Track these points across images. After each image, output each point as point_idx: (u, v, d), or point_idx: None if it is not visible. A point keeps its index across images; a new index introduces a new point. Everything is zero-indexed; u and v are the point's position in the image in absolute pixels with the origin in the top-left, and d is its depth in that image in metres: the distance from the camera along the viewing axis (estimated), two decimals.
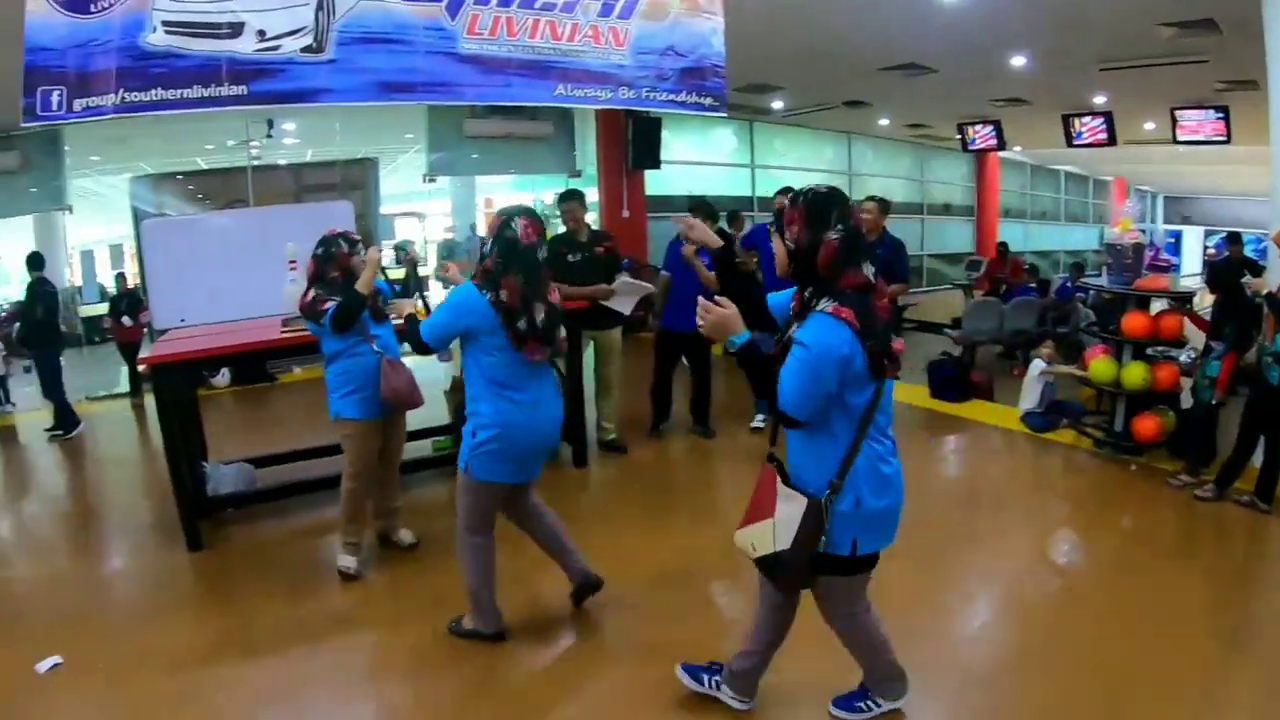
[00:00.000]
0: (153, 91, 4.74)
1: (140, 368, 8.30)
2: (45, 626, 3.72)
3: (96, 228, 12.06)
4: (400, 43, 5.26)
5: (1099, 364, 5.46)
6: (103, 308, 10.56)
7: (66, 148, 9.08)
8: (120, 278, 9.83)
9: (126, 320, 8.67)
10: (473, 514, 3.13)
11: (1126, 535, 4.45)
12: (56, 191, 9.19)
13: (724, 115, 6.84)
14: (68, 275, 11.11)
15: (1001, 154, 17.24)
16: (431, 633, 3.39)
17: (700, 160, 13.06)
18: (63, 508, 5.80)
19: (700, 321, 2.29)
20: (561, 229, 5.50)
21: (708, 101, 6.58)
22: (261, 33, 4.89)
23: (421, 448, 5.44)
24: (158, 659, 3.35)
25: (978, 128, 13.30)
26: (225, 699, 3.09)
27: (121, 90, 4.69)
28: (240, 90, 4.92)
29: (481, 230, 12.55)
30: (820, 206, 2.23)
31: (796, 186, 6.07)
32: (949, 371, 7.05)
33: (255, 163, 9.79)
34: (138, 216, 9.25)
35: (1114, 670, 2.98)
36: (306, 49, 5.00)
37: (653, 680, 2.89)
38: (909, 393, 6.94)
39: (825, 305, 2.16)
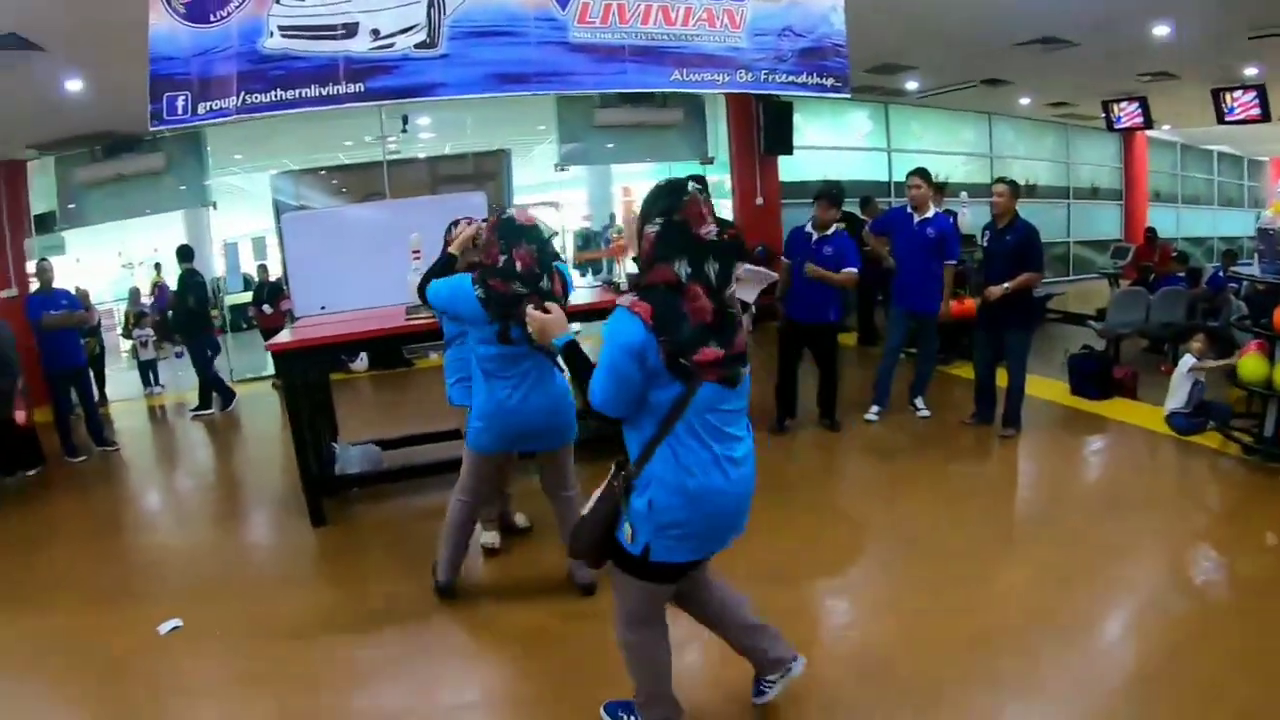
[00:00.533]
0: (272, 93, 4.99)
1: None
2: (172, 591, 3.99)
3: (241, 221, 12.78)
4: (511, 35, 5.33)
5: (1248, 362, 4.98)
6: (247, 296, 11.20)
7: (209, 148, 9.63)
8: (262, 268, 10.42)
9: (267, 308, 9.17)
10: (467, 475, 3.51)
11: (1272, 554, 3.98)
12: (201, 189, 9.78)
13: (847, 96, 6.61)
14: (216, 266, 11.81)
15: (1150, 133, 16.06)
16: (539, 614, 3.45)
17: (835, 145, 12.67)
18: (201, 481, 6.21)
19: (528, 326, 2.41)
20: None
21: (829, 82, 6.37)
22: (376, 32, 5.07)
23: None
24: (270, 627, 3.53)
25: (1123, 105, 12.42)
26: (330, 668, 3.22)
27: (242, 93, 4.95)
28: (357, 88, 5.10)
29: (619, 220, 12.64)
30: (647, 200, 2.19)
31: (933, 170, 5.87)
32: (1091, 366, 6.60)
33: (392, 157, 10.14)
34: (279, 210, 9.75)
35: (1242, 710, 2.65)
36: (420, 45, 5.14)
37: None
38: (1048, 388, 6.55)
39: (625, 299, 2.13)
